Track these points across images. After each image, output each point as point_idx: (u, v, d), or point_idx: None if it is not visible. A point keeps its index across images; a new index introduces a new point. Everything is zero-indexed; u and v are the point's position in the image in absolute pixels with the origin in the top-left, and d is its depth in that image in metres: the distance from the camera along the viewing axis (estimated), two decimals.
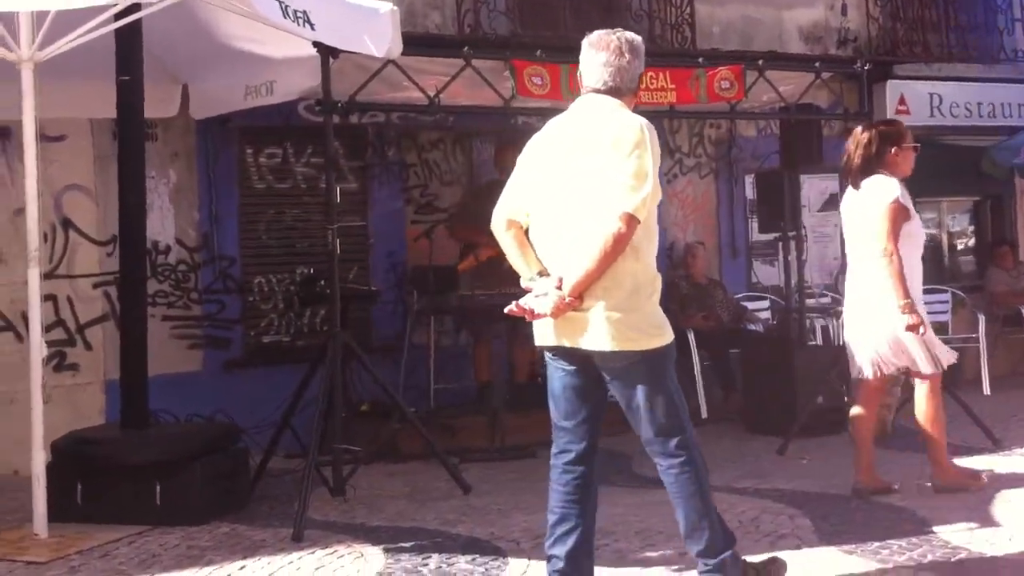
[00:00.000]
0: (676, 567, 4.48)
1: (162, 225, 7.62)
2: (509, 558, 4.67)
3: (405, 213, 8.52)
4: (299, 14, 4.95)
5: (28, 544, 5.11)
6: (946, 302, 10.07)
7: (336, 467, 5.91)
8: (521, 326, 7.73)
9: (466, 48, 6.79)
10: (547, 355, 3.98)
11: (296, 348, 8.06)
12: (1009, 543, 4.66)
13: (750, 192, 9.70)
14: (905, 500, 5.51)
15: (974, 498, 5.44)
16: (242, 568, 4.69)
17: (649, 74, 7.31)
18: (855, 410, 5.78)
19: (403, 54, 5.94)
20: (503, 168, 8.05)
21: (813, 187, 10.15)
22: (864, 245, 5.52)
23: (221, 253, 7.87)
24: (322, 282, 6.84)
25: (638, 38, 4.01)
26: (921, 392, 5.59)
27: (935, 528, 4.91)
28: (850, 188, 5.64)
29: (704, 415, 8.50)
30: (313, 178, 8.12)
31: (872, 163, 5.52)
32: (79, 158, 7.36)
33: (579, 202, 3.75)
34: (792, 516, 5.27)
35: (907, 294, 5.35)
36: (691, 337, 8.68)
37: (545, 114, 7.96)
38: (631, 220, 3.65)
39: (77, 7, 4.65)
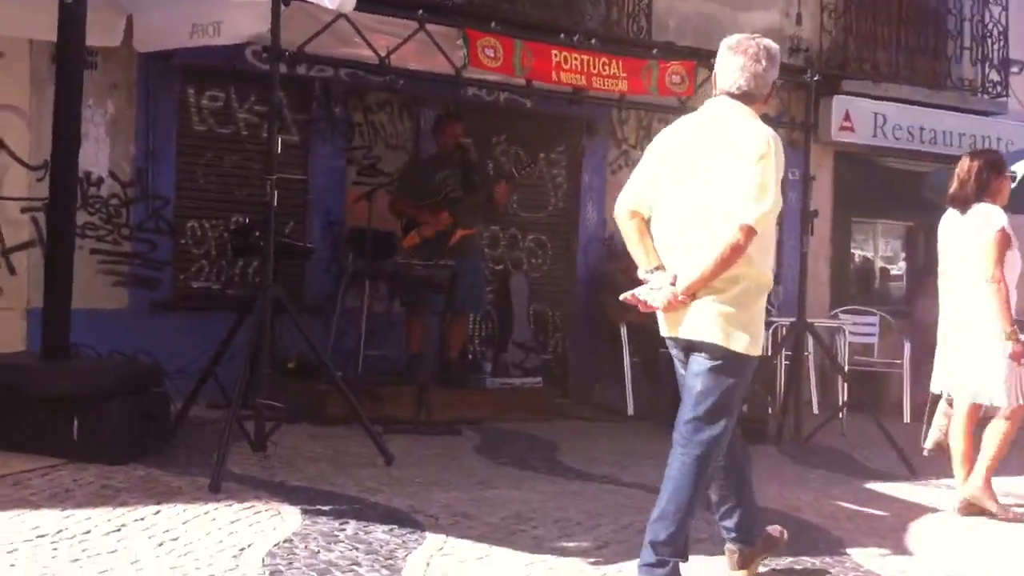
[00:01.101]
0: (592, 559, 4.47)
1: (96, 156, 7.45)
2: (427, 532, 4.62)
3: (347, 173, 8.43)
4: None
5: None
6: (874, 325, 10.19)
7: (258, 422, 5.82)
8: (456, 301, 7.90)
9: (420, 11, 6.72)
10: (670, 347, 4.15)
11: (226, 296, 7.95)
12: (923, 571, 4.71)
13: None
14: (820, 519, 5.54)
15: (887, 524, 5.51)
16: (156, 512, 4.60)
17: (602, 60, 7.33)
18: (952, 427, 5.88)
19: (356, 10, 5.85)
20: (445, 141, 8.06)
21: None
22: (965, 269, 5.69)
23: (155, 192, 7.70)
24: (257, 233, 6.74)
25: (776, 46, 4.10)
26: (997, 424, 5.72)
27: (848, 550, 4.91)
28: (954, 213, 5.81)
29: (631, 411, 8.57)
30: (255, 126, 7.99)
31: (981, 191, 5.72)
32: (15, 78, 7.15)
33: (701, 204, 3.88)
34: (709, 521, 5.16)
35: (1012, 321, 5.51)
36: (623, 331, 8.73)
37: (495, 88, 8.24)
38: (749, 231, 3.78)
39: None
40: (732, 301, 3.87)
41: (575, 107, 8.18)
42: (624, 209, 4.10)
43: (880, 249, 11.81)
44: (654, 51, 7.82)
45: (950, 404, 6.07)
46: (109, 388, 5.54)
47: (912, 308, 10.98)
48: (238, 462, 5.59)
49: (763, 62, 4.00)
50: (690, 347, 3.99)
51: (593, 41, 7.50)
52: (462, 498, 5.34)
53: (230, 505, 4.82)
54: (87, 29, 5.91)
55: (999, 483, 5.89)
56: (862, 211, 11.19)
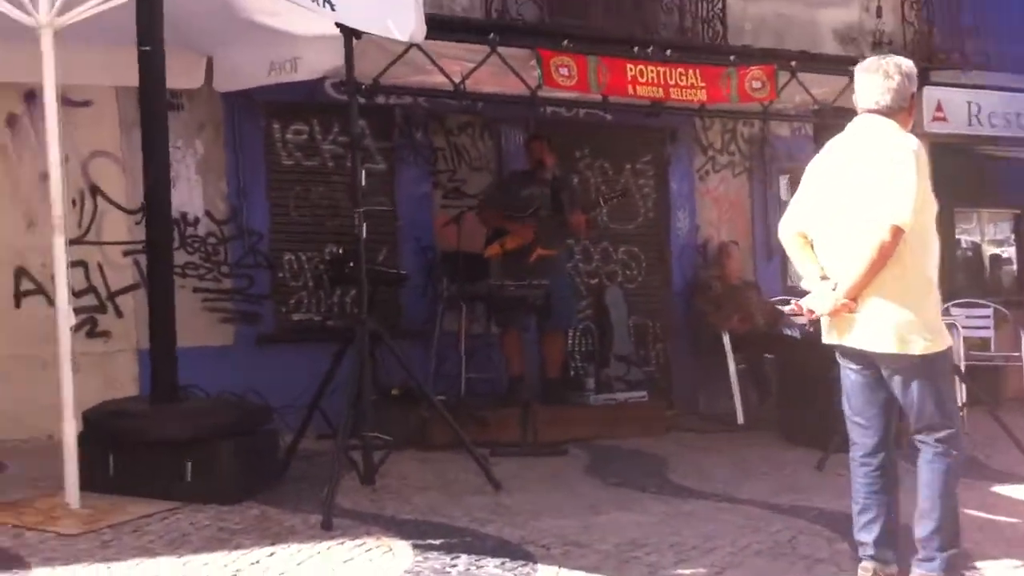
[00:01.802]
0: None
1: (190, 196, 7.59)
2: (539, 564, 4.53)
3: (433, 197, 8.46)
4: None
5: (60, 514, 5.05)
6: (988, 317, 9.83)
7: (366, 454, 5.84)
8: (552, 319, 7.86)
9: (492, 35, 6.73)
10: (837, 354, 4.35)
11: (326, 327, 7.92)
12: None
13: (784, 193, 9.55)
14: None
15: (1019, 532, 5.29)
16: (271, 555, 4.60)
17: (679, 70, 7.28)
18: None
19: (428, 37, 5.87)
20: (533, 159, 8.08)
21: None
22: None
23: (250, 227, 7.82)
24: (351, 263, 6.77)
25: (908, 61, 4.33)
26: None
27: (979, 563, 4.66)
28: None
29: (740, 420, 8.42)
30: (340, 156, 8.05)
31: None
32: (105, 124, 7.33)
33: (856, 215, 4.11)
34: (830, 540, 5.06)
35: None
36: (726, 339, 8.60)
37: (572, 105, 8.21)
38: (896, 231, 3.99)
39: None
40: (902, 307, 4.05)
41: (656, 117, 8.12)
42: (789, 231, 4.40)
43: (987, 236, 11.44)
44: (731, 57, 7.71)
45: None
46: (220, 429, 5.59)
47: None
48: (348, 495, 5.59)
49: (896, 76, 4.24)
50: (866, 356, 4.18)
51: (668, 52, 7.43)
52: (573, 525, 5.23)
53: (342, 543, 4.79)
54: (168, 73, 5.99)
55: None
56: (964, 201, 10.83)
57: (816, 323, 8.41)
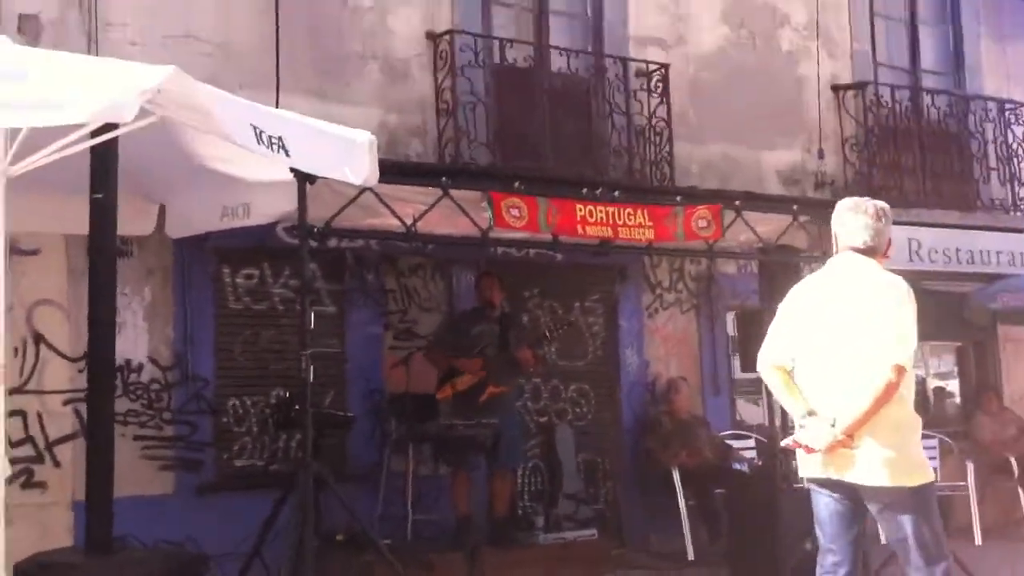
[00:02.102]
0: None
1: (135, 343, 7.55)
2: None
3: (383, 339, 8.48)
4: (274, 140, 4.98)
5: None
6: (934, 448, 9.84)
7: None
8: (498, 458, 7.80)
9: (444, 178, 6.86)
10: (811, 485, 4.51)
11: (270, 473, 7.91)
12: None
13: (731, 329, 9.68)
14: None
15: None
16: None
17: (627, 210, 7.42)
18: None
19: (381, 181, 5.94)
20: (483, 297, 8.14)
21: None
22: None
23: (195, 373, 7.78)
24: (297, 407, 6.74)
25: (886, 204, 4.66)
26: None
27: None
28: None
29: (691, 556, 8.37)
30: (290, 300, 8.08)
31: None
32: (52, 273, 7.33)
33: (849, 351, 4.28)
34: None
35: None
36: (675, 475, 8.62)
37: (523, 245, 8.33)
38: (900, 370, 4.21)
39: (51, 125, 4.68)
40: (891, 443, 4.22)
41: (605, 256, 8.22)
42: (768, 363, 4.58)
43: (932, 370, 11.57)
44: (678, 197, 7.88)
45: None
46: None
47: (970, 427, 10.71)
48: None
49: (882, 220, 4.54)
50: (855, 491, 4.32)
51: (616, 193, 7.59)
52: None
53: None
54: (119, 220, 6.06)
55: None
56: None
57: (770, 458, 8.48)
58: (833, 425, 4.25)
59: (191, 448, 7.72)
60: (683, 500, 8.56)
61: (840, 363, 4.30)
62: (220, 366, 7.93)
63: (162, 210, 7.42)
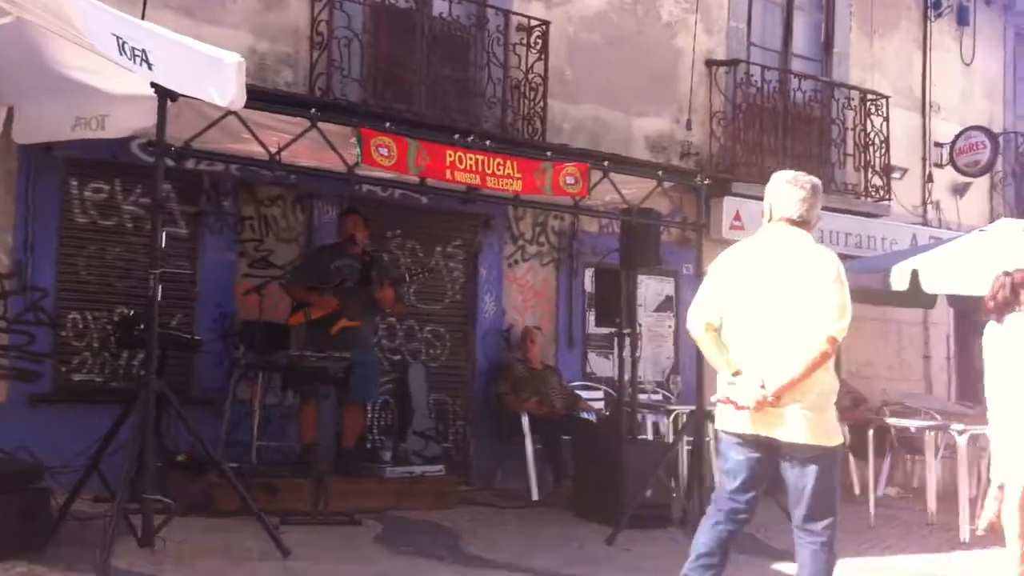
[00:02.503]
0: None
1: None
2: None
3: (237, 266, 8.33)
4: (137, 52, 4.80)
5: None
6: None
7: (146, 516, 5.66)
8: (352, 392, 7.77)
9: (312, 109, 6.71)
10: (728, 439, 4.70)
11: (110, 389, 7.73)
12: None
13: (589, 285, 9.86)
14: None
15: None
16: None
17: (496, 160, 7.39)
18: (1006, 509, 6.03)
19: (248, 107, 5.82)
20: (346, 233, 8.03)
21: (650, 288, 10.44)
22: (1012, 371, 5.98)
23: (34, 283, 7.51)
24: (141, 326, 6.62)
25: (819, 183, 4.81)
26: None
27: None
28: (992, 322, 6.18)
29: (535, 497, 8.55)
30: (141, 218, 7.85)
31: (1011, 303, 6.11)
32: None
33: (780, 317, 4.49)
34: None
35: None
36: (524, 420, 8.78)
37: (388, 185, 8.25)
38: (834, 342, 4.44)
39: None
40: (815, 406, 4.48)
41: (471, 204, 8.22)
42: (699, 323, 4.72)
43: None
44: (548, 153, 7.91)
45: (1000, 488, 6.28)
46: None
47: None
48: (125, 557, 5.41)
49: (816, 196, 4.71)
50: (774, 448, 4.55)
51: (488, 142, 7.56)
52: None
53: None
54: None
55: None
56: None
57: (613, 411, 8.67)
58: (763, 386, 4.45)
59: (27, 358, 7.47)
60: (531, 444, 8.74)
61: (771, 328, 4.50)
62: (61, 278, 7.68)
63: (10, 113, 7.05)
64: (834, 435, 4.57)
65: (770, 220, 4.74)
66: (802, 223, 4.66)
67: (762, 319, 4.54)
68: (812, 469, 4.51)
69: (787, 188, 4.71)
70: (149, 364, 5.81)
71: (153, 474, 5.66)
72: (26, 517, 5.55)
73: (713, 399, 4.71)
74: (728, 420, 4.67)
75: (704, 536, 4.75)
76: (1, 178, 7.41)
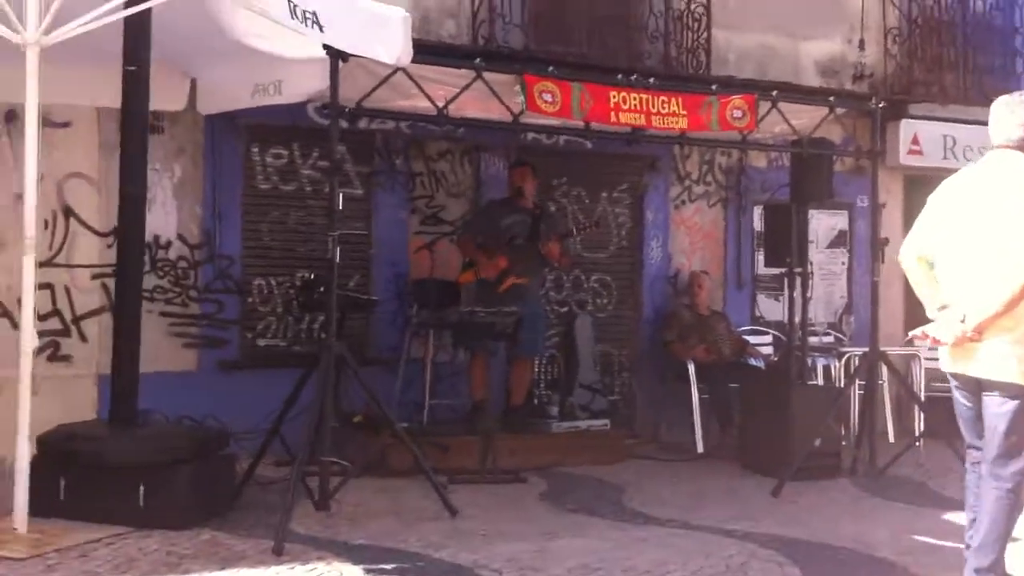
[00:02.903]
0: None
1: (164, 219, 7.57)
2: None
3: (409, 224, 8.45)
4: (308, 15, 4.90)
5: (7, 538, 5.03)
6: None
7: (323, 479, 5.85)
8: (518, 346, 7.87)
9: (478, 60, 6.74)
10: (952, 381, 4.57)
11: (293, 353, 7.98)
12: None
13: (758, 224, 9.56)
14: (898, 556, 5.42)
15: None
16: None
17: (661, 98, 7.27)
18: None
19: (414, 62, 5.85)
20: (515, 187, 8.07)
21: (822, 223, 10.10)
22: None
23: (222, 252, 7.81)
24: (322, 288, 6.81)
25: None
26: None
27: None
28: None
29: (700, 449, 8.44)
30: (318, 181, 8.03)
31: None
32: (84, 146, 7.31)
33: (989, 248, 4.29)
34: (781, 564, 5.17)
35: None
36: (691, 368, 8.64)
37: (553, 132, 8.23)
38: None
39: None
40: (1015, 342, 4.23)
41: (636, 146, 8.13)
42: (911, 255, 4.61)
43: None
44: (713, 86, 7.72)
45: None
46: (176, 454, 5.62)
47: None
48: (302, 521, 5.60)
49: None
50: (979, 385, 4.37)
51: (652, 80, 7.44)
52: (527, 550, 5.29)
53: (292, 568, 4.82)
54: (151, 94, 6.05)
55: None
56: None
57: (786, 355, 8.48)
58: (963, 321, 4.29)
59: (216, 326, 7.79)
60: (697, 394, 8.60)
61: (980, 259, 4.32)
62: (247, 245, 7.94)
63: (193, 85, 7.33)
64: None
65: (993, 147, 4.53)
66: (1021, 147, 4.42)
67: (972, 251, 4.36)
68: (1008, 408, 4.29)
69: (1002, 111, 4.51)
70: (329, 327, 5.96)
71: (331, 436, 5.81)
72: (212, 484, 5.78)
73: (911, 333, 4.57)
74: (942, 359, 4.54)
75: (969, 499, 4.61)
76: (189, 149, 7.69)
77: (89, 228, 7.33)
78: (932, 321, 4.51)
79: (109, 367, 6.14)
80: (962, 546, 5.32)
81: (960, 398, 4.56)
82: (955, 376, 4.51)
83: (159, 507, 5.41)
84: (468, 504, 6.22)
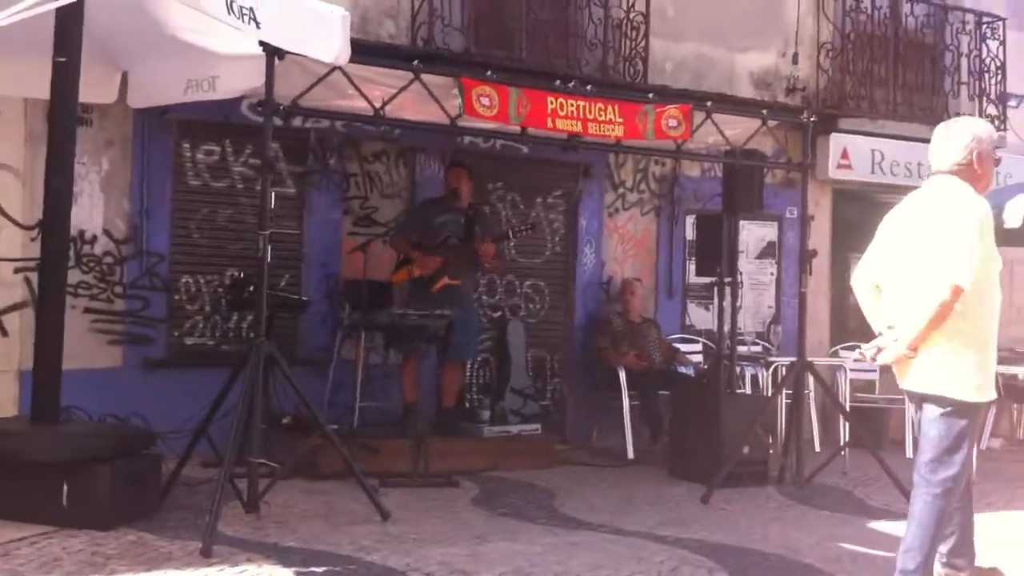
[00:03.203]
0: None
1: (90, 214, 7.43)
2: None
3: (342, 224, 8.39)
4: (244, 10, 4.83)
5: None
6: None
7: (251, 481, 5.77)
8: (450, 349, 7.85)
9: (416, 62, 6.72)
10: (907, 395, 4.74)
11: (221, 352, 7.89)
12: None
13: (690, 233, 9.65)
14: (823, 562, 5.50)
15: (892, 564, 5.38)
16: None
17: (598, 105, 7.29)
18: None
19: (352, 61, 5.79)
20: (451, 187, 8.05)
21: (752, 233, 10.24)
22: None
23: (150, 248, 7.68)
24: (251, 287, 6.74)
25: (981, 123, 4.76)
26: None
27: None
28: None
29: (631, 455, 8.49)
30: (250, 179, 7.93)
31: None
32: (9, 138, 7.13)
33: (921, 271, 4.45)
34: (712, 570, 5.23)
35: None
36: (622, 375, 8.71)
37: (490, 136, 8.23)
38: (956, 290, 4.32)
39: None
40: (952, 353, 4.39)
41: (571, 152, 8.16)
42: (864, 282, 4.81)
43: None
44: (650, 95, 7.78)
45: None
46: (99, 453, 5.50)
47: None
48: (231, 523, 5.54)
49: (962, 138, 4.55)
50: (922, 398, 4.52)
51: (589, 87, 7.47)
52: (459, 554, 5.28)
53: (221, 570, 4.76)
54: (81, 86, 5.92)
55: None
56: (861, 247, 10.99)
57: (716, 363, 8.61)
58: (896, 340, 4.49)
59: (142, 323, 7.66)
60: (627, 400, 8.66)
61: (916, 281, 4.46)
62: (175, 242, 7.82)
63: (124, 79, 7.20)
64: (964, 387, 4.41)
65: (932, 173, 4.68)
66: (956, 173, 4.55)
67: (910, 274, 4.51)
68: (939, 416, 4.43)
69: (940, 137, 4.64)
70: (258, 326, 5.89)
71: (259, 437, 5.76)
72: (137, 484, 5.68)
73: (853, 355, 4.76)
74: (896, 375, 4.69)
75: None
76: (117, 143, 7.54)
77: (12, 221, 7.15)
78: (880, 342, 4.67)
79: (31, 363, 6.00)
80: (887, 553, 5.46)
81: (915, 413, 4.74)
82: (905, 392, 4.69)
83: (83, 506, 5.31)
84: (400, 507, 6.20)
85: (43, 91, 5.96)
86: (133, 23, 6.14)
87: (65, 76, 5.75)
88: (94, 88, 6.65)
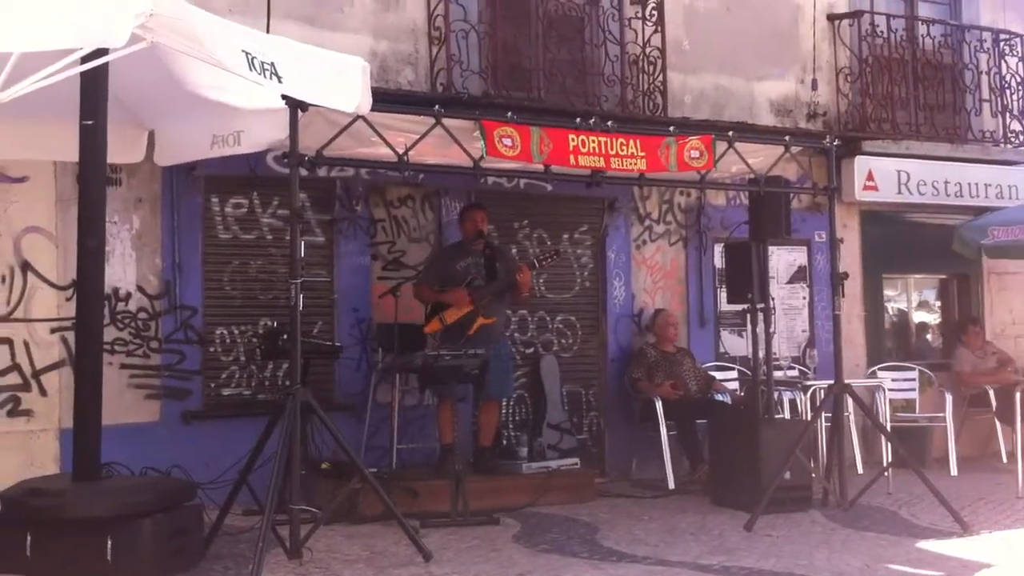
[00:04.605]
0: None
1: (123, 271, 7.54)
2: None
3: (372, 269, 8.46)
4: (266, 66, 4.91)
5: None
6: (913, 380, 10.14)
7: (293, 527, 5.80)
8: (485, 388, 7.87)
9: (436, 107, 6.79)
10: None
11: (257, 401, 7.95)
12: None
13: (719, 261, 9.65)
14: None
15: None
16: None
17: (619, 140, 7.35)
18: None
19: (373, 109, 5.92)
20: (467, 230, 8.10)
21: (782, 259, 10.22)
22: None
23: (183, 302, 7.76)
24: (285, 336, 6.80)
25: None
26: None
27: None
28: None
29: (671, 486, 8.46)
30: (279, 229, 8.03)
31: None
32: (41, 200, 7.27)
33: None
34: None
35: None
36: (659, 406, 8.69)
37: (513, 175, 8.29)
38: None
39: (41, 50, 4.59)
40: None
41: (595, 187, 8.19)
42: None
43: (914, 303, 11.65)
44: (671, 128, 7.82)
45: None
46: (141, 507, 5.54)
47: (950, 360, 10.79)
48: (274, 570, 5.57)
49: None
50: None
51: (609, 123, 7.52)
52: None
53: None
54: (109, 147, 6.02)
55: None
56: (892, 267, 11.07)
57: (747, 391, 8.54)
58: None
59: (178, 377, 7.73)
60: (665, 430, 8.64)
61: None
62: (208, 295, 7.90)
63: (151, 137, 7.32)
64: None
65: None
66: None
67: None
68: None
69: None
70: (294, 374, 5.95)
71: (299, 484, 5.80)
72: (180, 536, 5.71)
73: None
74: None
75: None
76: (147, 201, 7.66)
77: (47, 282, 7.27)
78: None
79: (71, 421, 6.08)
80: (938, 573, 5.40)
81: None
82: None
83: (127, 561, 5.34)
84: (441, 548, 6.20)
85: (71, 154, 6.07)
86: (157, 83, 6.24)
87: (93, 138, 5.85)
88: (121, 148, 6.77)
